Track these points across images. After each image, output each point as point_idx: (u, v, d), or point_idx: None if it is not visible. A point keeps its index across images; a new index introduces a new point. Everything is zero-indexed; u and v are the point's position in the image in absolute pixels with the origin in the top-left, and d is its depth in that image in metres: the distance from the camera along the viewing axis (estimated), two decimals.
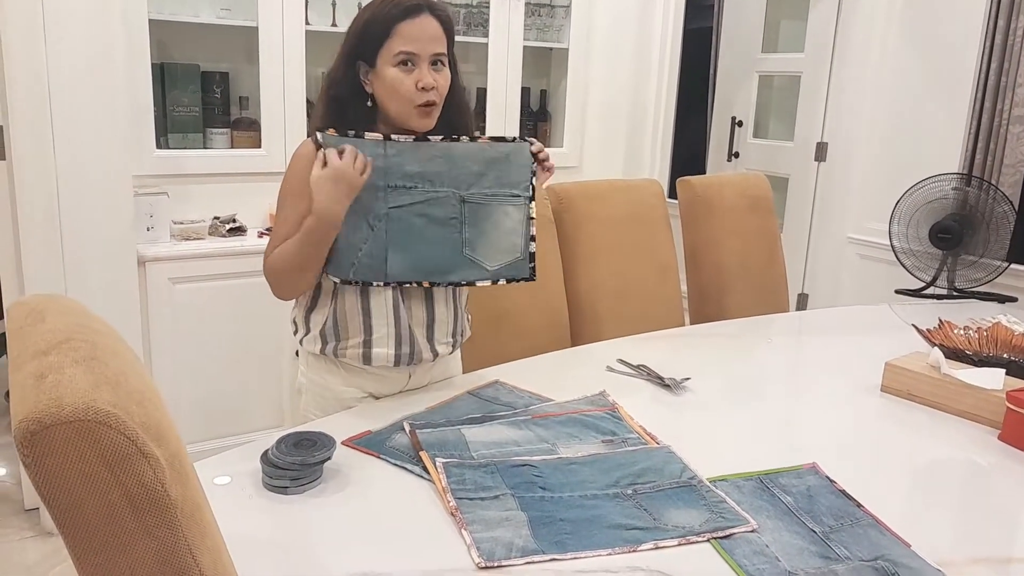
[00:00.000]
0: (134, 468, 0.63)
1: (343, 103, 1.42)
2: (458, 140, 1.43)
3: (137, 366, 0.80)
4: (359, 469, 1.25)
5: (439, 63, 1.41)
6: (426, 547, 1.06)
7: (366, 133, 1.39)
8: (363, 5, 1.44)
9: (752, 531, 1.11)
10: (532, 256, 1.48)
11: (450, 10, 1.44)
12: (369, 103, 1.42)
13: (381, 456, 1.28)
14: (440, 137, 1.43)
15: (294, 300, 1.54)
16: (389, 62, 1.38)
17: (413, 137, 1.41)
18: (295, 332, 1.55)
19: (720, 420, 1.55)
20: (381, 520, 1.12)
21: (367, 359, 1.48)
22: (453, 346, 1.58)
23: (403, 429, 1.37)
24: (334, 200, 1.33)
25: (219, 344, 2.56)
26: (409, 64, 1.38)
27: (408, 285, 1.46)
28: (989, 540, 1.16)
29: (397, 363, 1.49)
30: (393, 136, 1.40)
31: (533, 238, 1.47)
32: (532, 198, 1.47)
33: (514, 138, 1.49)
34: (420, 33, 1.37)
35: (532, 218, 1.47)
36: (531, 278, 1.50)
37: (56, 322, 0.78)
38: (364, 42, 1.39)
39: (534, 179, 1.48)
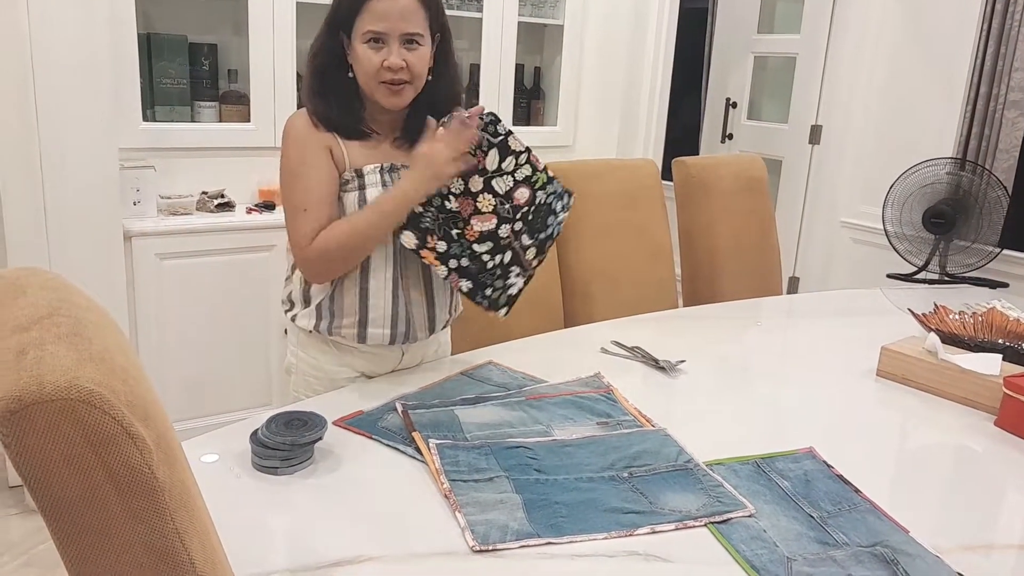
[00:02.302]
0: (120, 449, 0.61)
1: (326, 72, 1.40)
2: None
3: (123, 343, 0.77)
4: (351, 450, 1.22)
5: (413, 41, 1.36)
6: (419, 530, 1.04)
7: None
8: None
9: (750, 516, 1.10)
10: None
11: None
12: (350, 74, 1.40)
13: (373, 437, 1.26)
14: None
15: (287, 278, 1.51)
16: (360, 38, 1.35)
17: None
18: (288, 310, 1.52)
19: (715, 403, 1.53)
20: (373, 502, 1.10)
21: (362, 338, 1.45)
22: (447, 323, 1.56)
23: (395, 409, 1.35)
24: (421, 178, 1.36)
25: (206, 321, 2.53)
26: (379, 42, 1.34)
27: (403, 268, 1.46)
28: (985, 526, 1.15)
29: (392, 342, 1.47)
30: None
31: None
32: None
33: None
34: (390, 11, 1.33)
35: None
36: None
37: (37, 296, 0.75)
38: (340, 15, 1.37)
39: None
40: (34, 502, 0.60)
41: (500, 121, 1.43)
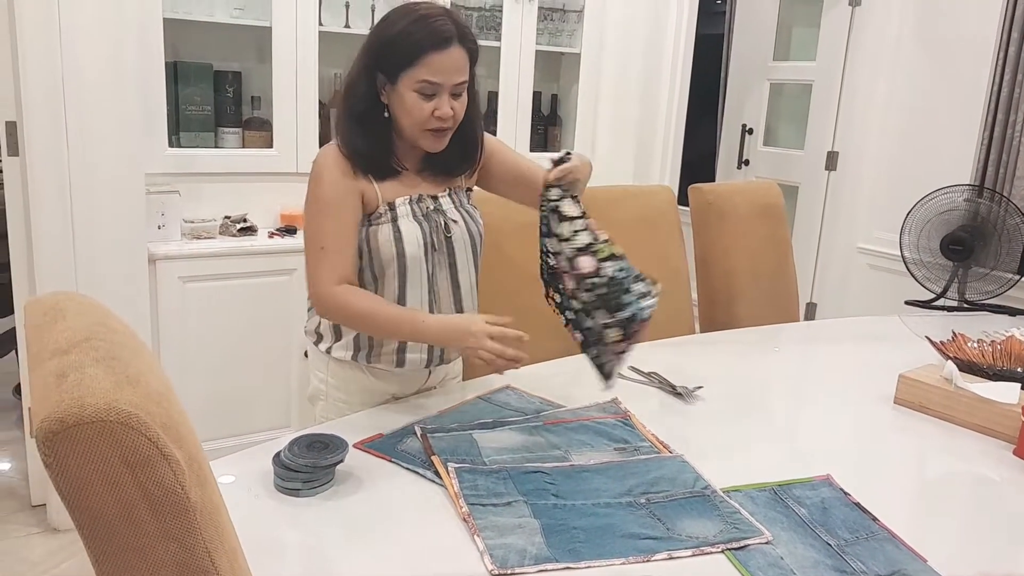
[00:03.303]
0: (155, 470, 0.63)
1: (360, 111, 1.42)
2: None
3: (155, 366, 0.80)
4: (371, 472, 1.24)
5: (461, 91, 1.40)
6: (438, 552, 1.05)
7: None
8: (389, 14, 1.40)
9: (767, 543, 1.10)
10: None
11: (474, 35, 1.42)
12: (386, 114, 1.42)
13: (392, 460, 1.28)
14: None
15: (309, 309, 1.54)
16: (410, 86, 1.36)
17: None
18: (318, 341, 1.54)
19: (732, 429, 1.54)
20: (393, 524, 1.11)
21: (400, 363, 1.50)
22: None
23: (414, 433, 1.37)
24: (450, 341, 1.40)
25: (228, 344, 2.56)
26: (431, 92, 1.36)
27: (436, 288, 1.49)
28: (1002, 556, 1.15)
29: (428, 364, 1.52)
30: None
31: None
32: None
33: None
34: (447, 66, 1.35)
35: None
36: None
37: (75, 320, 0.78)
38: (388, 59, 1.37)
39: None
40: (72, 520, 0.63)
41: (561, 187, 1.38)
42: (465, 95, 1.41)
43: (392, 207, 1.44)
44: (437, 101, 1.37)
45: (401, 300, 1.47)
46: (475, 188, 1.61)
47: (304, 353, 2.63)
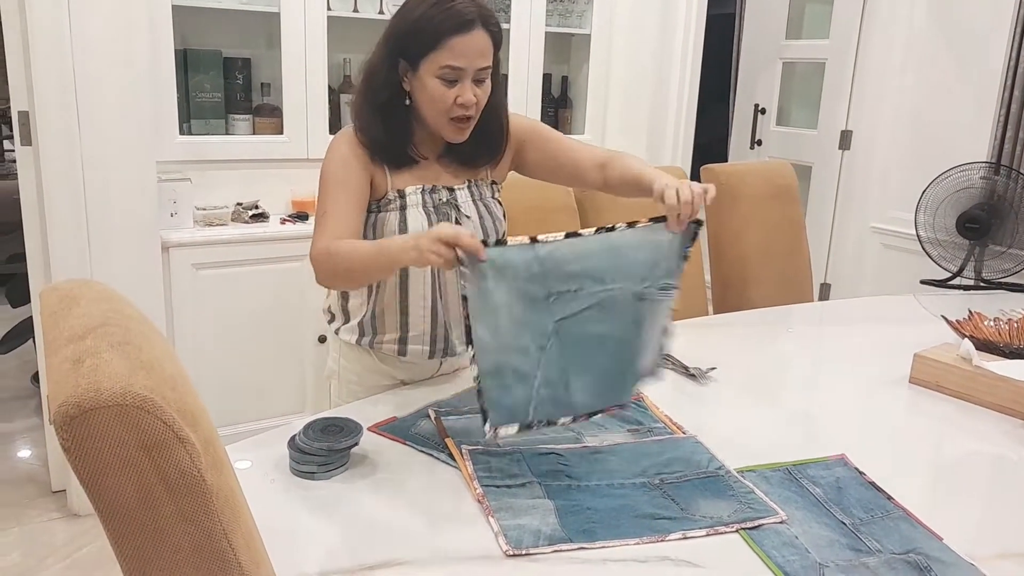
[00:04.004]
0: (171, 453, 0.63)
1: (381, 99, 1.38)
2: (613, 229, 1.19)
3: (169, 351, 0.80)
4: (385, 455, 1.25)
5: (484, 77, 1.36)
6: (453, 534, 1.06)
7: (509, 238, 1.17)
8: (407, 3, 1.36)
9: (781, 522, 1.10)
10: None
11: (499, 19, 1.38)
12: (407, 101, 1.38)
13: (407, 442, 1.28)
14: (593, 230, 1.19)
15: (327, 291, 1.55)
16: (432, 72, 1.32)
17: (563, 234, 1.18)
18: (330, 320, 1.56)
19: (746, 410, 1.53)
20: (408, 507, 1.12)
21: (402, 353, 1.50)
22: None
23: (428, 416, 1.37)
24: (403, 250, 1.19)
25: (241, 329, 2.57)
26: (454, 78, 1.33)
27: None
28: (1019, 535, 1.14)
29: (431, 356, 1.51)
30: (540, 237, 1.16)
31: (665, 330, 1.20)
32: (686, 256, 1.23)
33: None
34: (470, 49, 1.31)
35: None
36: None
37: (90, 307, 0.79)
38: (409, 44, 1.33)
39: (684, 263, 1.24)
40: (91, 503, 0.63)
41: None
42: (488, 82, 1.37)
43: (402, 195, 1.41)
44: (459, 87, 1.33)
45: (403, 290, 1.45)
46: (511, 174, 1.57)
47: (319, 337, 2.66)
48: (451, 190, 1.45)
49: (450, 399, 1.46)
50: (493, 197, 1.52)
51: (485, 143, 1.46)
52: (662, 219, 1.22)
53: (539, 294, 1.14)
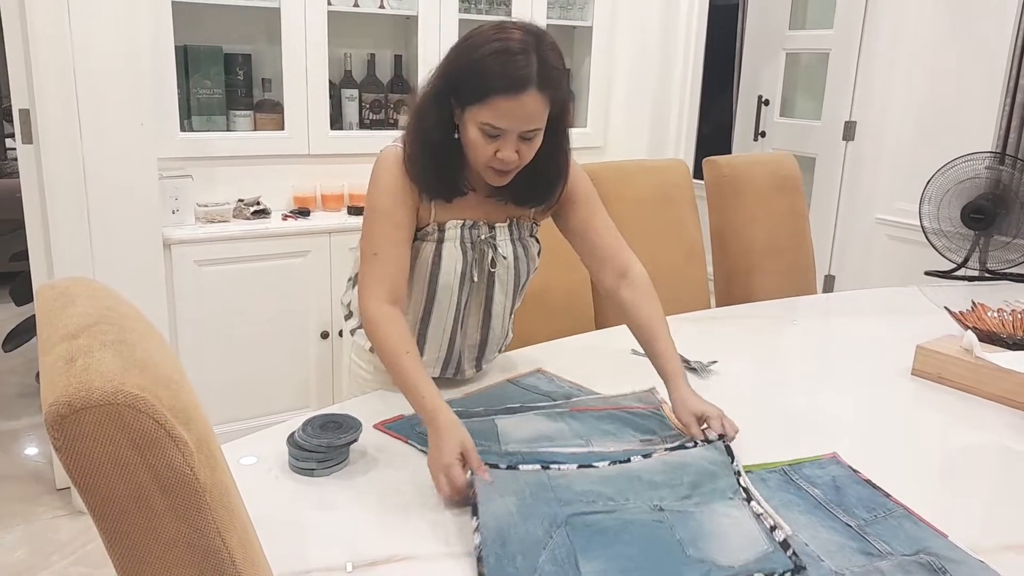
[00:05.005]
0: (163, 451, 0.63)
1: (432, 138, 1.30)
2: (628, 461, 1.18)
3: (165, 349, 0.80)
4: (386, 452, 1.25)
5: (531, 137, 1.27)
6: (452, 531, 1.06)
7: (521, 465, 1.17)
8: (475, 35, 1.26)
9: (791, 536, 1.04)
10: (786, 544, 1.04)
11: (563, 76, 1.27)
12: (455, 135, 1.30)
13: (409, 442, 1.28)
14: (607, 462, 1.19)
15: (347, 285, 1.56)
16: (475, 123, 1.24)
17: (576, 465, 1.18)
18: (347, 316, 1.56)
19: (748, 404, 1.53)
20: (407, 503, 1.12)
21: None
22: (495, 357, 1.60)
23: None
24: (429, 428, 1.19)
25: (244, 326, 2.58)
26: (496, 135, 1.24)
27: (467, 311, 1.43)
28: (1022, 526, 1.14)
29: (440, 376, 1.51)
30: (552, 464, 1.18)
31: (775, 528, 1.07)
32: (749, 497, 1.14)
33: (696, 443, 1.26)
34: (516, 114, 1.21)
35: (760, 514, 1.10)
36: (797, 569, 1.00)
37: (85, 305, 0.78)
38: (457, 87, 1.25)
39: (741, 478, 1.18)
40: (83, 502, 0.63)
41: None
42: (538, 138, 1.28)
43: (442, 228, 1.37)
44: (501, 142, 1.24)
45: (425, 318, 1.44)
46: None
47: (322, 333, 2.66)
48: (491, 227, 1.41)
49: (462, 399, 1.45)
50: (532, 235, 1.48)
51: (541, 188, 1.38)
52: (678, 447, 1.24)
53: (550, 496, 1.12)
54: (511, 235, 1.43)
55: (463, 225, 1.38)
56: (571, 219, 1.47)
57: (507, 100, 1.20)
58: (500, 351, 1.60)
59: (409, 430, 1.31)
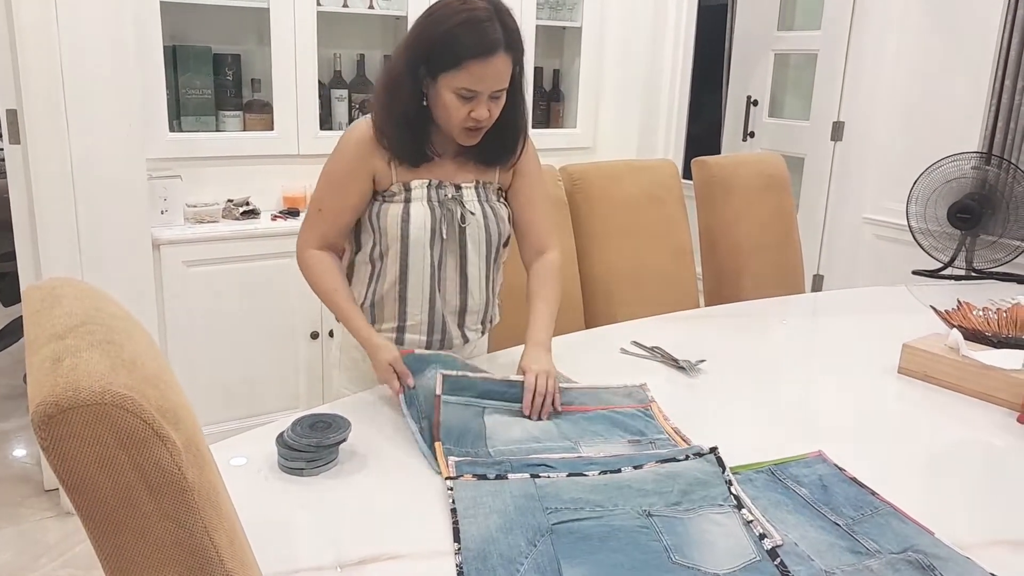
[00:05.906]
0: (151, 451, 0.63)
1: (402, 108, 1.40)
2: (619, 472, 1.20)
3: (153, 349, 0.80)
4: (375, 451, 1.25)
5: (500, 95, 1.39)
6: (441, 530, 1.06)
7: (510, 474, 1.18)
8: (436, 9, 1.36)
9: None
10: (774, 553, 1.03)
11: (520, 37, 1.38)
12: (424, 102, 1.40)
13: (404, 413, 1.31)
14: (597, 471, 1.20)
15: None
16: (449, 88, 1.35)
17: (566, 473, 1.19)
18: None
19: (735, 403, 1.54)
20: (397, 501, 1.12)
21: (400, 342, 1.51)
22: (482, 331, 1.60)
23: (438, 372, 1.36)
24: (366, 343, 1.44)
25: (234, 326, 2.57)
26: (470, 98, 1.36)
27: (443, 273, 1.49)
28: (1008, 522, 1.15)
29: (428, 347, 1.52)
30: (541, 475, 1.18)
31: (764, 536, 1.06)
32: (740, 505, 1.13)
33: (688, 455, 1.25)
34: (489, 75, 1.34)
35: (750, 521, 1.10)
36: None
37: (72, 305, 0.78)
38: (429, 56, 1.35)
39: (732, 488, 1.17)
40: (71, 502, 0.63)
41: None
42: (504, 96, 1.40)
43: (407, 188, 1.44)
44: (474, 103, 1.36)
45: (403, 282, 1.47)
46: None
47: (311, 333, 2.66)
48: (458, 187, 1.47)
49: (461, 367, 1.42)
50: (499, 200, 1.54)
51: (503, 144, 1.49)
52: (670, 460, 1.24)
53: (534, 504, 1.12)
54: (478, 196, 1.50)
55: (429, 184, 1.45)
56: (519, 191, 1.57)
57: (480, 64, 1.32)
58: (486, 325, 1.60)
59: (418, 363, 1.38)
